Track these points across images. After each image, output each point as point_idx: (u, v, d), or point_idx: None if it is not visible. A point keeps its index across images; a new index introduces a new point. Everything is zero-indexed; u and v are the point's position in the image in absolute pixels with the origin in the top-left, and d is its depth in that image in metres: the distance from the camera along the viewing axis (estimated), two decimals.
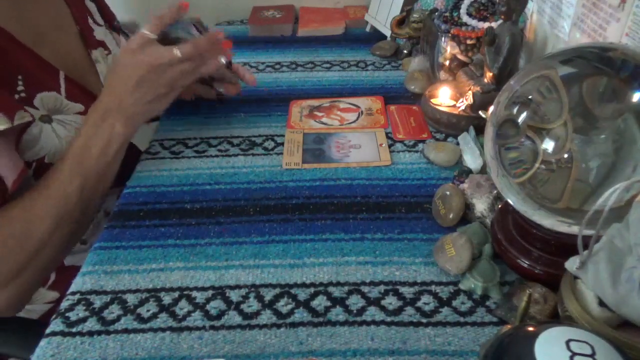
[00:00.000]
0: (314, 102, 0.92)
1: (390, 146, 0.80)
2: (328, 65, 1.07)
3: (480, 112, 0.74)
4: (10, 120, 0.61)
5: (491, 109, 0.57)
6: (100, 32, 0.85)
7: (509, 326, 0.46)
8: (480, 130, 0.76)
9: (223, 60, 0.73)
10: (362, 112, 0.89)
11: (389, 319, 0.53)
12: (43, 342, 0.52)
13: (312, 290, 0.57)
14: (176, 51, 0.68)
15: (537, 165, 0.49)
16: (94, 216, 0.75)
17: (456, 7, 0.88)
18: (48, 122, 0.69)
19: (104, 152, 0.68)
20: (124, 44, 0.86)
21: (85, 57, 0.81)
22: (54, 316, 0.55)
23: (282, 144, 0.81)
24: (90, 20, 0.84)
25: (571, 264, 0.46)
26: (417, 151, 0.78)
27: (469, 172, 0.70)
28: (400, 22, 1.08)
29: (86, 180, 0.67)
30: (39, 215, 0.64)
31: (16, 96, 0.65)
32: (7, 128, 0.60)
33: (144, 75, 0.67)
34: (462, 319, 0.53)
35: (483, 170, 0.70)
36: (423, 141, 0.80)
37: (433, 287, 0.56)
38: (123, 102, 0.68)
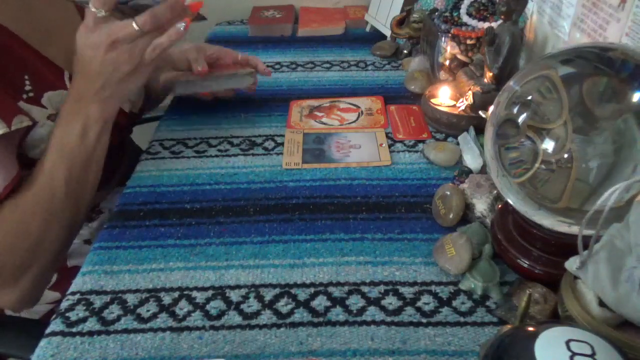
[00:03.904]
0: (314, 102, 0.92)
1: (390, 146, 0.80)
2: (328, 65, 1.07)
3: (480, 112, 0.74)
4: (8, 125, 0.60)
5: (491, 109, 0.57)
6: None
7: (509, 326, 0.46)
8: (480, 130, 0.76)
9: (182, 28, 0.64)
10: (362, 112, 0.89)
11: (389, 319, 0.53)
12: (43, 342, 0.52)
13: (312, 290, 0.57)
14: (133, 24, 0.61)
15: (537, 165, 0.49)
16: (90, 206, 0.73)
17: (456, 7, 0.88)
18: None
19: (83, 139, 0.65)
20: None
21: None
22: (54, 316, 0.55)
23: (282, 144, 0.81)
24: None
25: (571, 264, 0.46)
26: (417, 151, 0.78)
27: (469, 172, 0.70)
28: (400, 22, 1.08)
29: (71, 169, 0.65)
30: (30, 212, 0.63)
31: (24, 95, 0.65)
32: (5, 133, 0.60)
33: (103, 55, 0.62)
34: (462, 319, 0.53)
35: (483, 170, 0.70)
36: (423, 141, 0.80)
37: (433, 287, 0.56)
38: (93, 86, 0.64)
